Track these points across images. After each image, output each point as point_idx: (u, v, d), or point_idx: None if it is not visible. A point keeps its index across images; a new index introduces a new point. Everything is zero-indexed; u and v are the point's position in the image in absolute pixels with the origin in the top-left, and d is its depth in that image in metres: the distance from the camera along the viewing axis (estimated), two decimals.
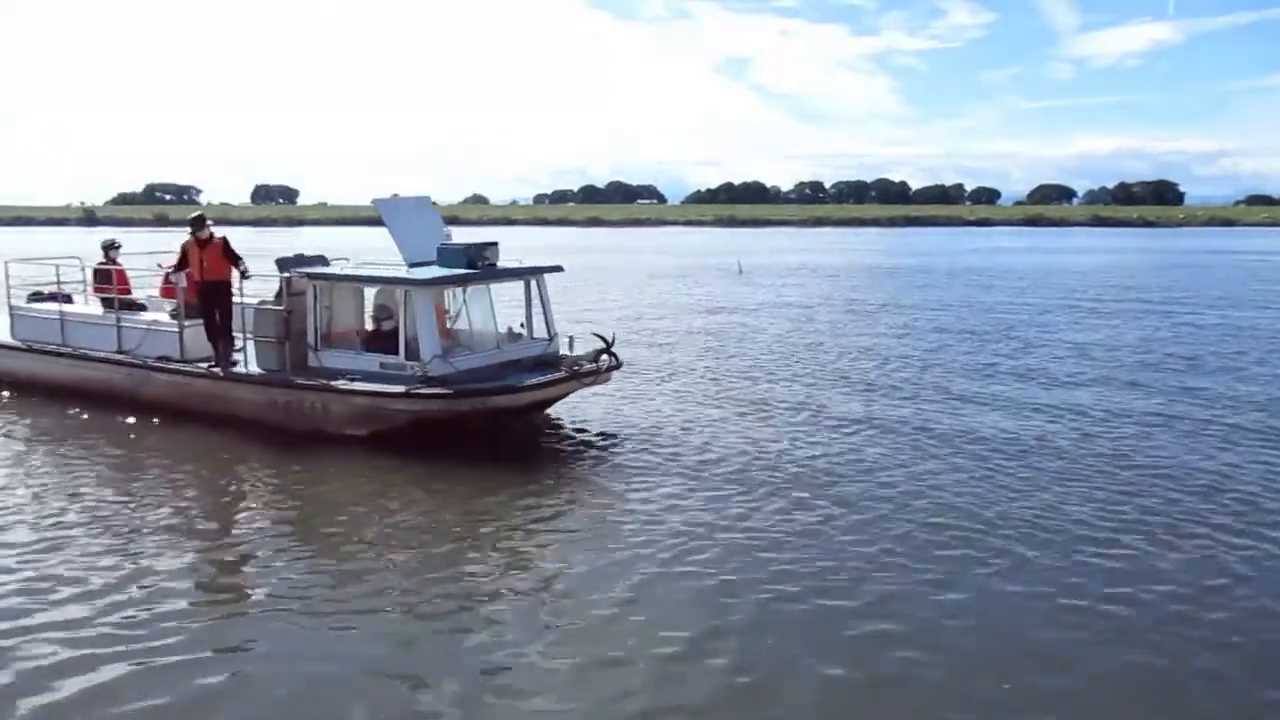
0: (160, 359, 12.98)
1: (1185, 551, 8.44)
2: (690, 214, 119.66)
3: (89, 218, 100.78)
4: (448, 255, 12.22)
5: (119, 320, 13.53)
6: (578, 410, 13.12)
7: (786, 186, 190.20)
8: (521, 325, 13.02)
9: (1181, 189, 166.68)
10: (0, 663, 6.44)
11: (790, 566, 8.05)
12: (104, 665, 6.40)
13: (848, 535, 8.78)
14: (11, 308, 15.03)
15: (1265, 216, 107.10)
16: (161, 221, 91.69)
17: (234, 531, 9.06)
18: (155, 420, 12.62)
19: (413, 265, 12.15)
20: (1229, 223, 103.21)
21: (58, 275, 14.78)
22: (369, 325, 12.66)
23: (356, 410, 11.52)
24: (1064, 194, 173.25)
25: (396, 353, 11.64)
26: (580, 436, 12.26)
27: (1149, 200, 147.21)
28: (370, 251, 14.87)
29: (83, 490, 10.01)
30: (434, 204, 14.15)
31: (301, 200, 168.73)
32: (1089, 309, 27.05)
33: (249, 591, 7.81)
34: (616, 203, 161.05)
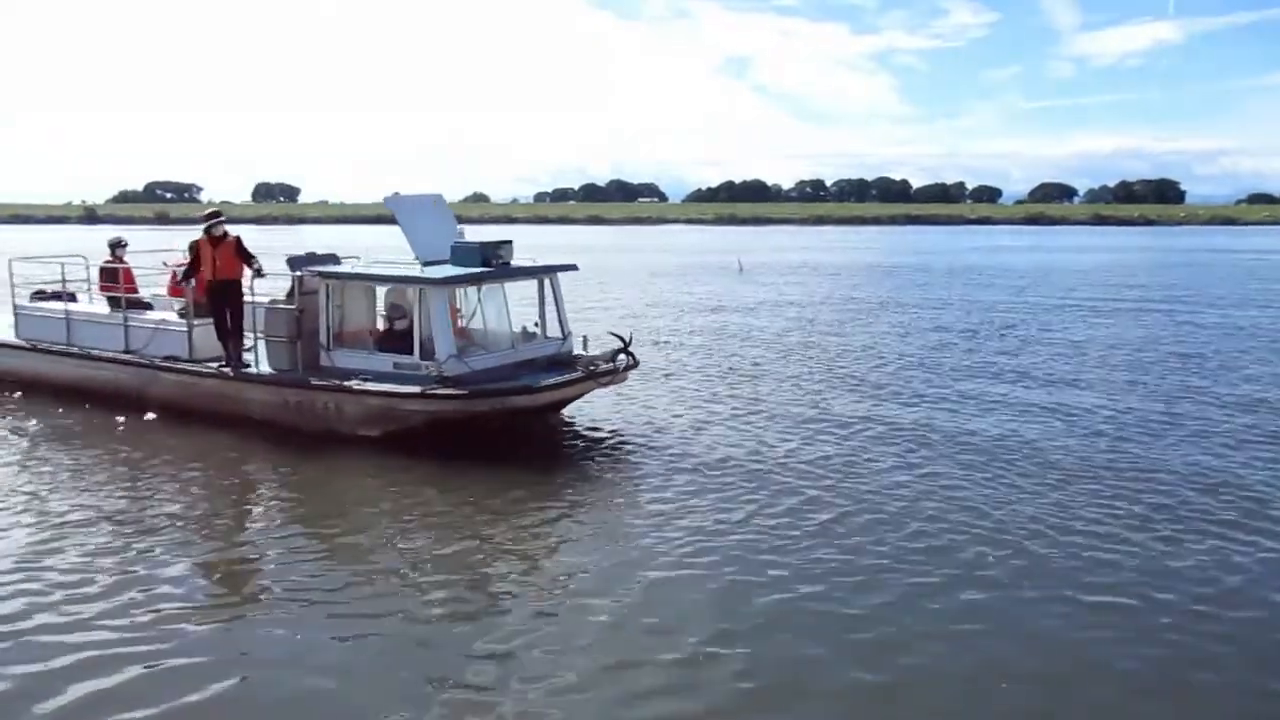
0: (169, 358, 12.91)
1: (1198, 551, 8.45)
2: (691, 212, 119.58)
3: (89, 216, 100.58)
4: (462, 253, 12.08)
5: (126, 319, 13.47)
6: (583, 409, 13.08)
7: (787, 185, 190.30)
8: (535, 324, 12.91)
9: (1182, 188, 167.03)
10: (8, 664, 6.40)
11: (802, 566, 8.05)
12: (112, 667, 6.36)
13: (859, 535, 8.78)
14: (16, 307, 14.90)
15: (1266, 215, 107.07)
16: (162, 220, 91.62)
17: (244, 533, 9.06)
18: (163, 421, 12.57)
19: (426, 264, 11.99)
20: (1230, 221, 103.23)
21: (63, 274, 14.71)
22: (382, 324, 12.58)
23: (371, 411, 11.43)
24: (1065, 193, 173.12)
25: (411, 352, 11.52)
26: (587, 436, 12.25)
27: (1150, 199, 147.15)
28: (376, 250, 14.82)
29: (90, 491, 10.00)
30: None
31: (302, 199, 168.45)
32: (1091, 307, 27.04)
33: (257, 593, 7.79)
34: (617, 201, 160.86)
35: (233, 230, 12.77)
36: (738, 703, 6.04)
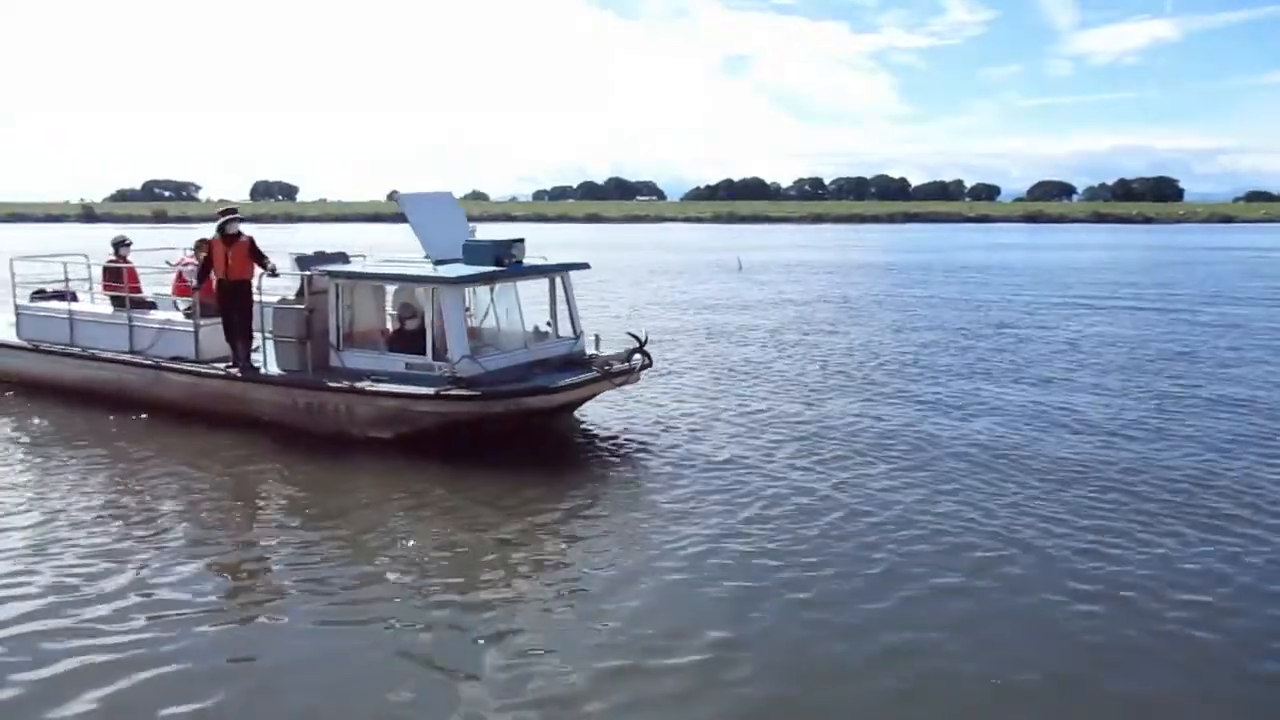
0: (175, 359, 12.81)
1: (1209, 548, 8.46)
2: (690, 210, 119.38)
3: (88, 214, 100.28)
4: (474, 252, 11.87)
5: (131, 319, 13.32)
6: (588, 407, 13.01)
7: (786, 183, 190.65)
8: (548, 324, 12.76)
9: (1181, 186, 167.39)
10: (12, 670, 6.34)
11: (814, 567, 8.05)
12: (118, 672, 6.31)
13: (869, 534, 8.78)
14: (17, 306, 14.72)
15: (1264, 213, 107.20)
16: (160, 218, 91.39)
17: (253, 534, 9.02)
18: (170, 422, 12.45)
19: (438, 262, 11.81)
20: (1228, 219, 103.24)
21: (65, 273, 14.55)
22: (392, 324, 12.45)
23: (383, 412, 11.28)
24: (1063, 190, 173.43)
25: (423, 353, 11.35)
26: (594, 435, 12.24)
27: (1148, 197, 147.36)
28: (379, 248, 14.78)
29: (95, 493, 9.94)
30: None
31: (301, 199, 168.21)
32: (1090, 305, 27.05)
33: (267, 595, 7.76)
34: (616, 199, 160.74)
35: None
36: (752, 709, 5.99)
